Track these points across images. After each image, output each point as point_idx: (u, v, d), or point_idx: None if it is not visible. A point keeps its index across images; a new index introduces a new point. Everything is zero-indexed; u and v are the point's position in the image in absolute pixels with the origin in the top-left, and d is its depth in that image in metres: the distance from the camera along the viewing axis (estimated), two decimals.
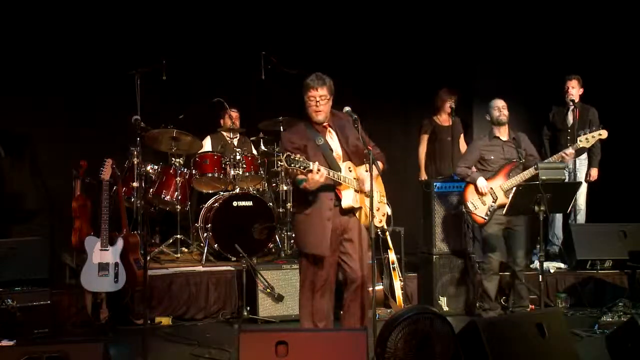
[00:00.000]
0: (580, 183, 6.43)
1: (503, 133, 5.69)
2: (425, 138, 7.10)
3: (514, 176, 5.49)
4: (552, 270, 6.45)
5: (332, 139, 4.31)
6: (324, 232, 4.17)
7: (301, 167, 3.94)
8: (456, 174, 5.85)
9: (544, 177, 4.91)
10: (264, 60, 6.85)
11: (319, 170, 3.97)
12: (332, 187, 4.18)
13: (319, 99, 4.18)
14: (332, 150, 4.26)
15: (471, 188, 5.62)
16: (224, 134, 7.13)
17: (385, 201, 4.49)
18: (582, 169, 6.87)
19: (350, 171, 4.24)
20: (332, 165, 4.17)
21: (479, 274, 5.86)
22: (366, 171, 4.16)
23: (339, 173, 4.15)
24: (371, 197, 4.02)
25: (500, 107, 5.65)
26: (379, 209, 4.37)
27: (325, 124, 4.29)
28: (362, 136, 4.19)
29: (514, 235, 5.59)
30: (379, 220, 4.39)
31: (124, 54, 7.04)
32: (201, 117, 7.04)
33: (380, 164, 4.36)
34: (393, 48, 7.96)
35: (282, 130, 6.81)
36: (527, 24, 7.77)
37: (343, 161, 4.25)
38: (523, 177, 5.42)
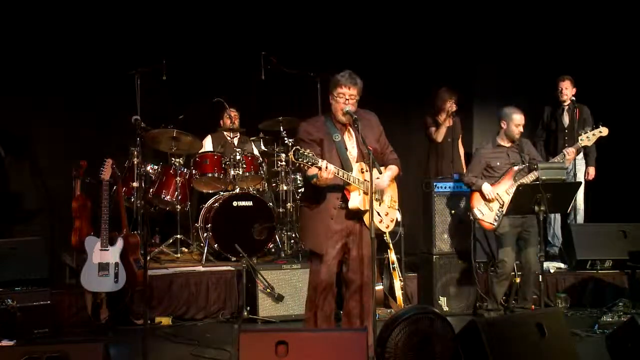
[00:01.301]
0: (580, 183, 6.42)
1: (507, 140, 5.69)
2: (433, 131, 6.96)
3: (520, 180, 5.47)
4: (552, 270, 6.44)
5: (350, 139, 4.27)
6: (324, 231, 4.16)
7: (309, 163, 3.91)
8: (463, 183, 5.84)
9: (544, 177, 4.92)
10: (264, 60, 6.85)
11: (327, 167, 3.94)
12: (341, 186, 4.15)
13: (349, 97, 4.15)
14: (347, 149, 4.23)
15: (477, 195, 5.61)
16: (225, 133, 7.13)
17: (397, 207, 4.47)
18: (581, 169, 6.87)
19: (363, 172, 4.18)
20: (344, 163, 4.14)
21: (481, 272, 5.85)
22: (365, 171, 4.14)
23: (349, 173, 4.11)
24: (370, 195, 3.99)
25: (521, 126, 5.63)
26: (387, 213, 4.37)
27: (346, 122, 4.25)
28: (362, 136, 4.14)
29: (527, 238, 5.57)
30: (386, 226, 4.38)
31: (124, 54, 7.04)
32: (201, 117, 7.04)
33: (395, 168, 4.38)
34: (393, 48, 7.94)
35: (281, 130, 6.82)
36: (527, 25, 7.77)
37: (356, 162, 4.22)
38: (528, 180, 5.41)
